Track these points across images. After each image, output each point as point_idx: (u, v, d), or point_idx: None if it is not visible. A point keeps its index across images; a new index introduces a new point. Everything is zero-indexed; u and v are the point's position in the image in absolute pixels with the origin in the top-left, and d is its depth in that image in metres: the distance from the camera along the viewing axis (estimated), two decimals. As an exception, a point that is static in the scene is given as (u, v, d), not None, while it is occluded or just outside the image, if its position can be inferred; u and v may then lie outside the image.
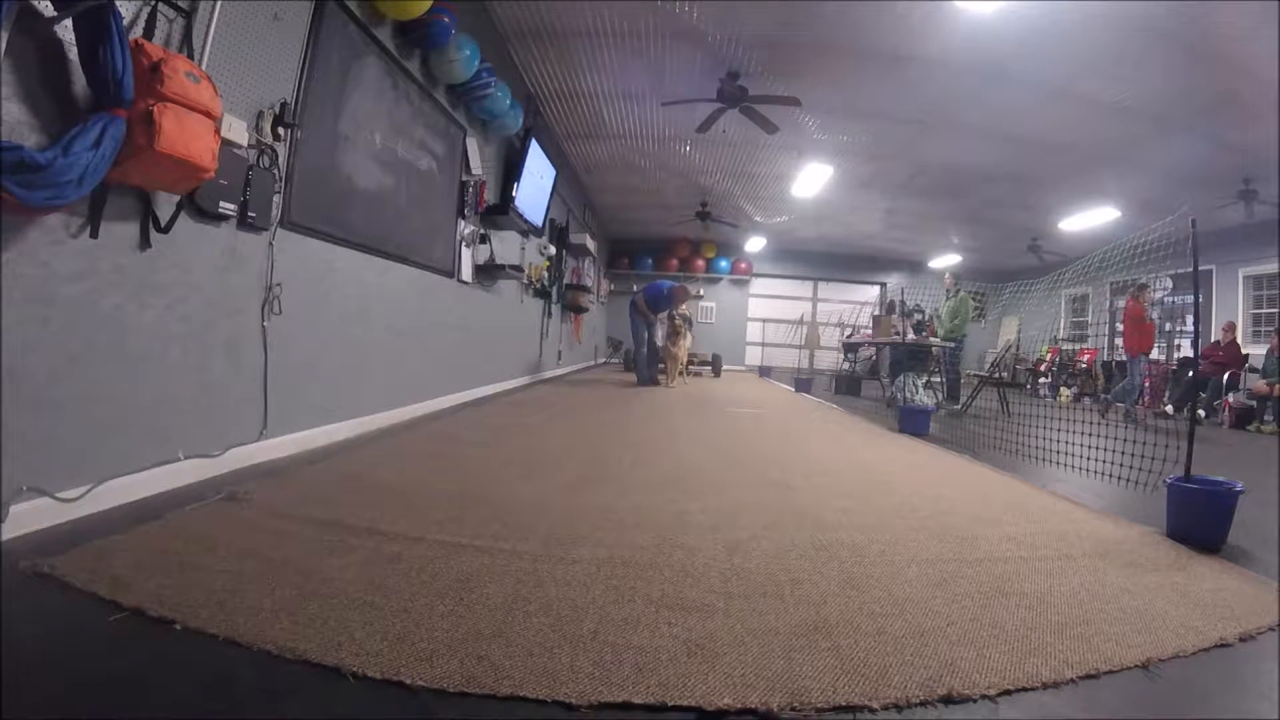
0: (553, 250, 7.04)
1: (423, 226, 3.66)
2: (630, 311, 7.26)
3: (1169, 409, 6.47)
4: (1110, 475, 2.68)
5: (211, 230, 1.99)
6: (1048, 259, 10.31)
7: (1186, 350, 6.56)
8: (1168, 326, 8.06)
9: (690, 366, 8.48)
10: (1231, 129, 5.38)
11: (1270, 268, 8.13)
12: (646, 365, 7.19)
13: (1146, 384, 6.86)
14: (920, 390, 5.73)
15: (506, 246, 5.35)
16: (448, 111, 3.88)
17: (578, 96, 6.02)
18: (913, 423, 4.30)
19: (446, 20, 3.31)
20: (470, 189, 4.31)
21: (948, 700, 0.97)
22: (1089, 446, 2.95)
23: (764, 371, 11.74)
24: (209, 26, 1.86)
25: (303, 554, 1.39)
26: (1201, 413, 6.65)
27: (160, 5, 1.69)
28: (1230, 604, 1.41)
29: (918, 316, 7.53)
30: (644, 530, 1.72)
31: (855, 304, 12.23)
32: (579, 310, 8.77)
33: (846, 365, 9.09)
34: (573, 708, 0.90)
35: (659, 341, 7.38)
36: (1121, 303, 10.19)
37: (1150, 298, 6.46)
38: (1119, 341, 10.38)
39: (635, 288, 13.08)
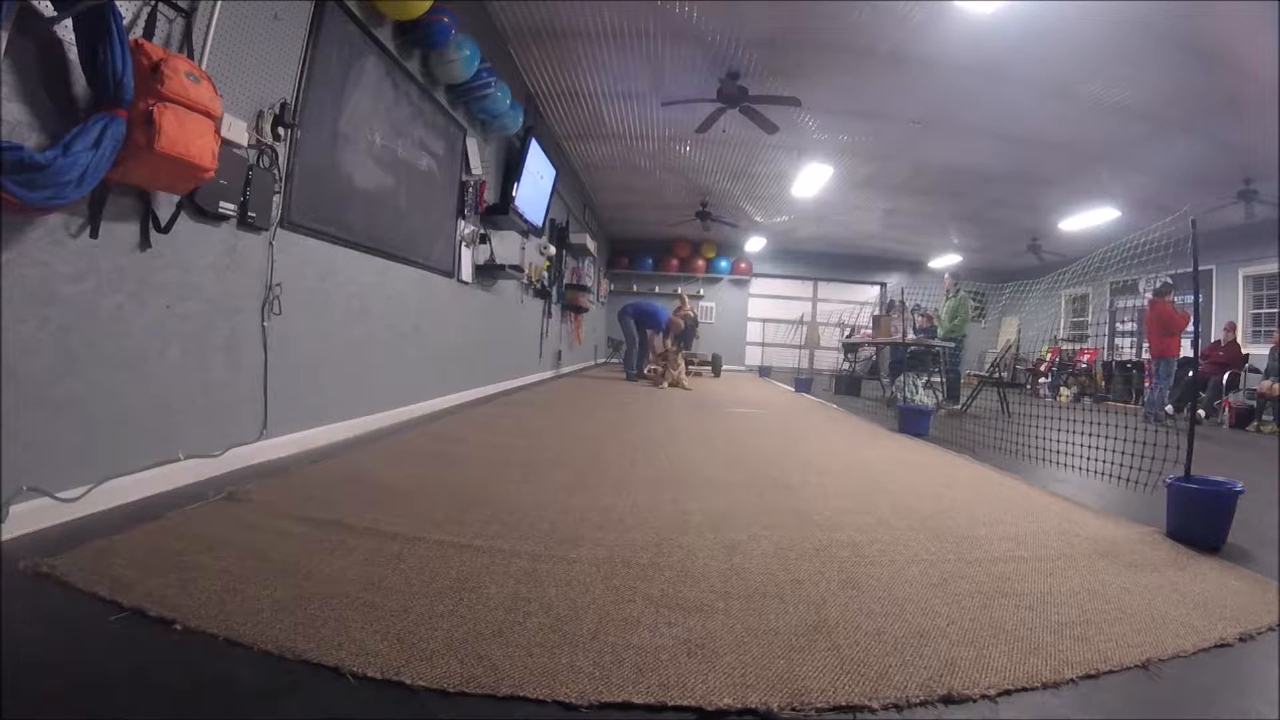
0: (553, 250, 7.05)
1: (423, 226, 3.66)
2: (620, 315, 7.98)
3: (1169, 409, 6.47)
4: (1110, 475, 2.68)
5: (211, 230, 1.99)
6: (1048, 259, 10.31)
7: (1186, 350, 6.55)
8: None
9: (689, 366, 8.53)
10: (1231, 129, 5.38)
11: (1270, 268, 8.13)
12: (637, 360, 7.85)
13: (1148, 384, 6.86)
14: (920, 390, 5.73)
15: (506, 246, 5.35)
16: (448, 111, 3.88)
17: (578, 96, 6.02)
18: (913, 423, 4.30)
19: (446, 20, 3.31)
20: (470, 189, 4.31)
21: (948, 700, 0.97)
22: (1089, 446, 2.95)
23: (764, 371, 11.75)
24: (209, 26, 1.86)
25: (303, 554, 1.39)
26: (1201, 413, 6.65)
27: (160, 5, 1.69)
28: (1230, 604, 1.41)
29: (917, 318, 7.53)
30: (644, 530, 1.72)
31: (855, 304, 12.24)
32: (579, 310, 8.78)
33: (846, 365, 9.09)
34: (572, 708, 0.90)
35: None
36: (1123, 303, 10.22)
37: (1173, 298, 6.46)
38: (1119, 342, 10.40)
39: (635, 288, 13.19)
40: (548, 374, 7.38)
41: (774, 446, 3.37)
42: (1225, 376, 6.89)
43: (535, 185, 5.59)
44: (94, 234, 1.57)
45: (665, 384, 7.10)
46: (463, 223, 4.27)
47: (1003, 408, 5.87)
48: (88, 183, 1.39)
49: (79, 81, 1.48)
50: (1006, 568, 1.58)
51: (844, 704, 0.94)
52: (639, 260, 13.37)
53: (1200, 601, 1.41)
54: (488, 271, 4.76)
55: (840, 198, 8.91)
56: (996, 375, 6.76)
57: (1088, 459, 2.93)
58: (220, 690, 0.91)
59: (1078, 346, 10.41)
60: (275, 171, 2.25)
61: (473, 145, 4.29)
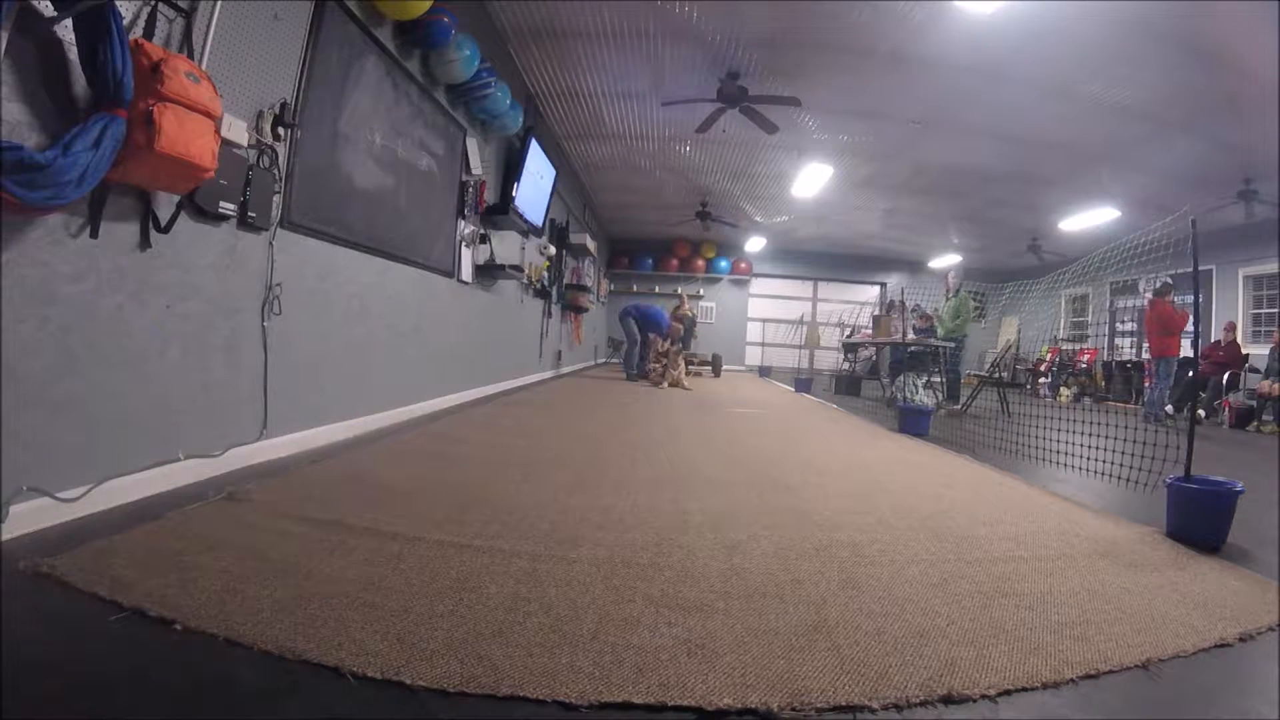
0: (553, 250, 7.05)
1: (423, 226, 3.66)
2: (622, 316, 8.04)
3: (1169, 409, 6.47)
4: (1110, 475, 2.68)
5: (211, 230, 1.99)
6: (1048, 259, 10.32)
7: (1186, 350, 6.55)
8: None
9: (689, 366, 8.56)
10: (1231, 129, 5.38)
11: (1270, 268, 8.13)
12: (637, 360, 7.95)
13: (1148, 384, 6.87)
14: (920, 390, 5.73)
15: (506, 246, 5.35)
16: (448, 111, 3.88)
17: (578, 96, 6.02)
18: (913, 423, 4.30)
19: (446, 20, 3.31)
20: (470, 189, 4.31)
21: (948, 700, 0.97)
22: (1089, 446, 2.95)
23: (764, 371, 11.75)
24: (209, 26, 1.86)
25: (303, 554, 1.39)
26: (1201, 413, 6.65)
27: (160, 5, 1.69)
28: (1230, 604, 1.41)
29: (916, 319, 7.53)
30: (644, 530, 1.72)
31: (855, 304, 12.24)
32: (579, 310, 8.78)
33: (846, 365, 9.09)
34: (573, 708, 0.90)
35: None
36: (1123, 303, 10.22)
37: (1174, 298, 6.47)
38: (1119, 342, 10.40)
39: (635, 288, 13.19)
40: (548, 374, 7.38)
41: (774, 446, 3.37)
42: (1225, 376, 6.89)
43: (535, 185, 5.59)
44: (94, 234, 1.57)
45: (665, 384, 7.11)
46: (463, 223, 4.26)
47: (1003, 408, 5.87)
48: (88, 183, 1.39)
49: (79, 81, 1.48)
50: (1006, 568, 1.58)
51: (844, 704, 0.94)
52: (639, 260, 13.37)
53: (1200, 601, 1.41)
54: (488, 271, 4.76)
55: (840, 198, 8.91)
56: (996, 375, 6.76)
57: (1088, 459, 2.93)
58: (220, 690, 0.91)
59: (1078, 346, 10.41)
60: (275, 171, 2.25)
61: (473, 145, 4.29)
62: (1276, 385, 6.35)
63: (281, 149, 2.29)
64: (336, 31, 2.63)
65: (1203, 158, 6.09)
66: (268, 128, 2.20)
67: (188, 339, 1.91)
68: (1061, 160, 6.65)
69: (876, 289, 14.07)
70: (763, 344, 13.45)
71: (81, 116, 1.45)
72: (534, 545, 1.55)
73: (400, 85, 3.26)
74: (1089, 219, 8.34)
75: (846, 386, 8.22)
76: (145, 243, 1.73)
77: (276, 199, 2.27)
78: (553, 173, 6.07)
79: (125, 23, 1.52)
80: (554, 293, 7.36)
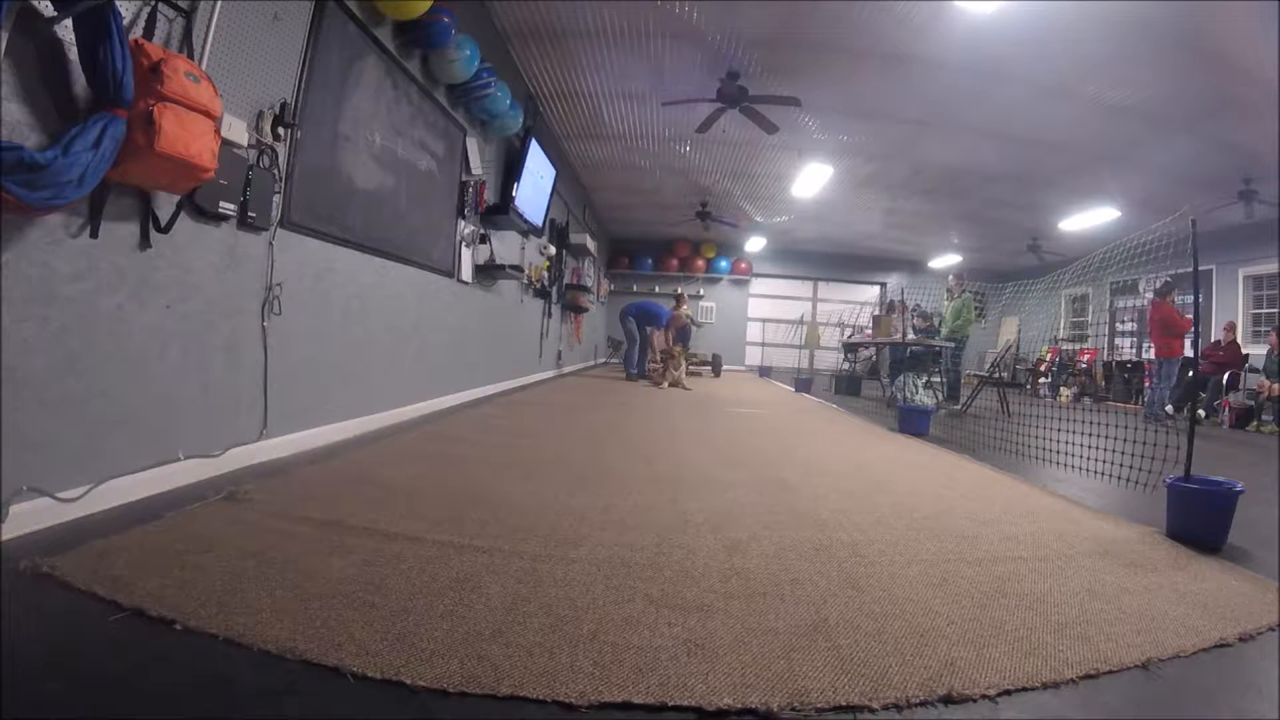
0: (553, 250, 7.05)
1: (423, 226, 3.66)
2: (622, 316, 8.05)
3: (1169, 409, 6.47)
4: (1110, 475, 2.68)
5: (211, 230, 1.99)
6: (1048, 259, 10.32)
7: (1187, 350, 6.56)
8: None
9: (689, 366, 8.56)
10: (1231, 129, 5.38)
11: (1270, 268, 8.13)
12: (638, 360, 7.94)
13: (1148, 384, 6.87)
14: (920, 390, 5.73)
15: (506, 246, 5.35)
16: (448, 111, 3.88)
17: (578, 96, 6.02)
18: (912, 423, 4.29)
19: (446, 20, 3.31)
20: (470, 189, 4.31)
21: (948, 700, 0.97)
22: (1089, 446, 2.95)
23: (764, 371, 11.75)
24: (209, 26, 1.86)
25: (303, 554, 1.39)
26: (1201, 413, 6.65)
27: (160, 5, 1.69)
28: (1230, 604, 1.41)
29: (916, 319, 7.52)
30: (644, 530, 1.72)
31: (855, 304, 12.24)
32: (579, 310, 8.78)
33: (846, 365, 9.09)
34: (573, 708, 0.90)
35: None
36: (1123, 303, 10.22)
37: (1175, 297, 6.47)
38: (1119, 342, 10.40)
39: (635, 288, 13.19)
40: (548, 374, 7.38)
41: (774, 446, 3.37)
42: (1225, 376, 6.89)
43: (535, 185, 5.59)
44: (94, 234, 1.57)
45: (665, 384, 7.11)
46: (463, 223, 4.26)
47: (1003, 408, 5.87)
48: (88, 183, 1.39)
49: (79, 81, 1.48)
50: (1006, 568, 1.58)
51: (844, 704, 0.94)
52: (639, 260, 13.37)
53: (1200, 601, 1.41)
54: (488, 271, 4.76)
55: (840, 198, 8.91)
56: (996, 375, 6.76)
57: (1088, 459, 2.93)
58: (220, 690, 0.91)
59: (1078, 346, 10.41)
60: (275, 171, 2.25)
61: (473, 145, 4.29)
62: (1275, 385, 6.36)
63: (281, 149, 2.29)
64: (336, 31, 2.63)
65: (1203, 158, 6.09)
66: (268, 128, 2.20)
67: (188, 339, 1.91)
68: (1061, 160, 6.65)
69: (876, 289, 14.08)
70: (763, 344, 13.44)
71: (81, 116, 1.45)
72: (534, 545, 1.55)
73: (400, 85, 3.26)
74: (1089, 219, 8.34)
75: (846, 386, 8.22)
76: (145, 243, 1.73)
77: (276, 199, 2.27)
78: (553, 173, 6.07)
79: (125, 23, 1.52)
80: (554, 293, 7.35)
